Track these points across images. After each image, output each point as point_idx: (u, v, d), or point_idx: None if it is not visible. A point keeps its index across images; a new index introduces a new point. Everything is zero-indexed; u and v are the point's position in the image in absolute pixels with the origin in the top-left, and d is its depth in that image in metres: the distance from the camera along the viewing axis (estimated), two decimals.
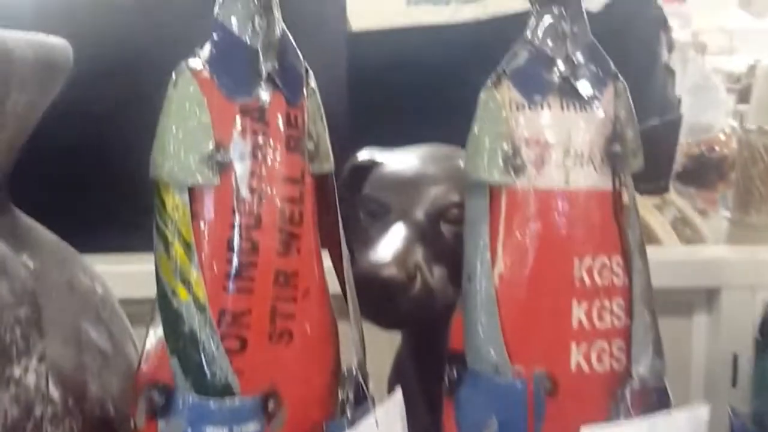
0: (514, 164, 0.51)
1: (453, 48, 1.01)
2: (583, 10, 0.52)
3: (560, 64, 0.51)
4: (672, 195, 1.10)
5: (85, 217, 0.75)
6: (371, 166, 0.61)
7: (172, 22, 0.62)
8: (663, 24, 1.02)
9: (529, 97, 0.51)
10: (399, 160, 0.61)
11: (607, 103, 0.52)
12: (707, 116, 1.10)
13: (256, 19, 0.45)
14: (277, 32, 0.46)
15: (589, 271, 0.51)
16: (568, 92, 0.51)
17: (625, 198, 0.53)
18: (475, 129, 0.52)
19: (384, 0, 1.05)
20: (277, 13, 0.47)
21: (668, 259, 0.90)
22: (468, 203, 0.52)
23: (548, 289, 0.51)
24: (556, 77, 0.51)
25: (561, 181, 0.51)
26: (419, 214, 0.57)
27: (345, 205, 0.62)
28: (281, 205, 0.44)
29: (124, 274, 0.66)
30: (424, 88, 0.99)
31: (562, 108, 0.51)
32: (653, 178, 1.07)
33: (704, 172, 1.80)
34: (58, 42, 0.50)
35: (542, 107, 0.51)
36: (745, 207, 1.11)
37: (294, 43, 0.48)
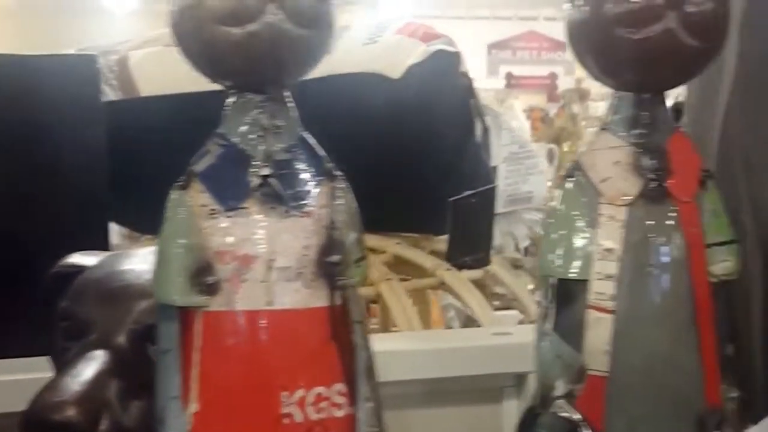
0: (206, 282, 0.43)
1: None
2: (287, 100, 0.45)
3: (259, 163, 0.43)
4: (495, 267, 1.05)
5: None
6: (75, 273, 0.52)
7: None
8: (471, 92, 0.98)
9: (223, 201, 0.43)
10: (109, 266, 0.52)
11: (320, 207, 0.44)
12: (527, 185, 1.06)
13: None
14: None
15: (302, 404, 0.43)
16: (270, 195, 0.43)
17: (351, 314, 0.46)
18: (162, 236, 0.43)
19: (176, 65, 0.97)
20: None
21: (475, 344, 0.84)
22: (157, 328, 0.44)
23: (251, 431, 0.43)
24: (254, 178, 0.43)
25: (263, 300, 0.43)
26: (121, 337, 0.48)
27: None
28: None
29: None
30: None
31: (264, 214, 0.43)
32: (472, 251, 1.02)
33: None
34: None
35: (239, 213, 0.43)
36: None
37: None
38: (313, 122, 0.96)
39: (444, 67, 0.93)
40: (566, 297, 0.47)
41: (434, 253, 1.06)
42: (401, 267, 1.01)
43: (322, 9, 0.43)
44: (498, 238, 1.07)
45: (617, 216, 0.45)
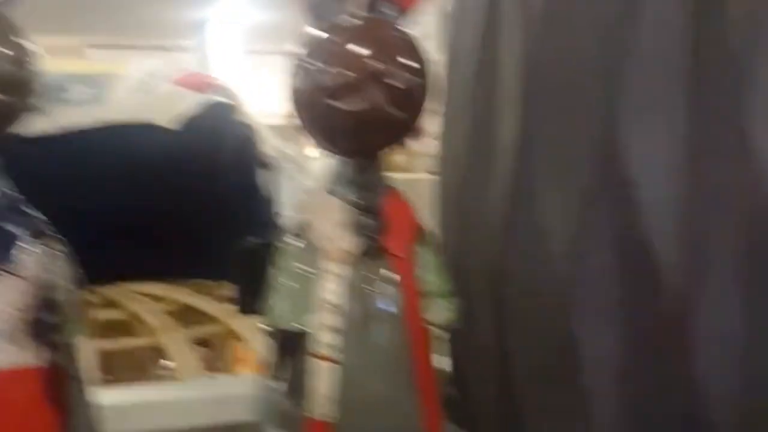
0: None
1: None
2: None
3: None
4: None
5: None
6: None
7: None
8: (253, 142, 0.99)
9: None
10: None
11: (30, 266, 0.44)
12: None
13: None
14: None
15: None
16: None
17: (69, 372, 0.45)
18: None
19: None
20: None
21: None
22: None
23: None
24: None
25: None
26: None
27: None
28: None
29: None
30: None
31: None
32: (258, 299, 1.03)
33: None
34: None
35: None
36: None
37: None
38: (91, 172, 0.94)
39: (219, 117, 0.94)
40: (291, 348, 0.49)
41: (226, 299, 1.06)
42: (189, 315, 1.00)
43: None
44: None
45: (339, 272, 0.48)
